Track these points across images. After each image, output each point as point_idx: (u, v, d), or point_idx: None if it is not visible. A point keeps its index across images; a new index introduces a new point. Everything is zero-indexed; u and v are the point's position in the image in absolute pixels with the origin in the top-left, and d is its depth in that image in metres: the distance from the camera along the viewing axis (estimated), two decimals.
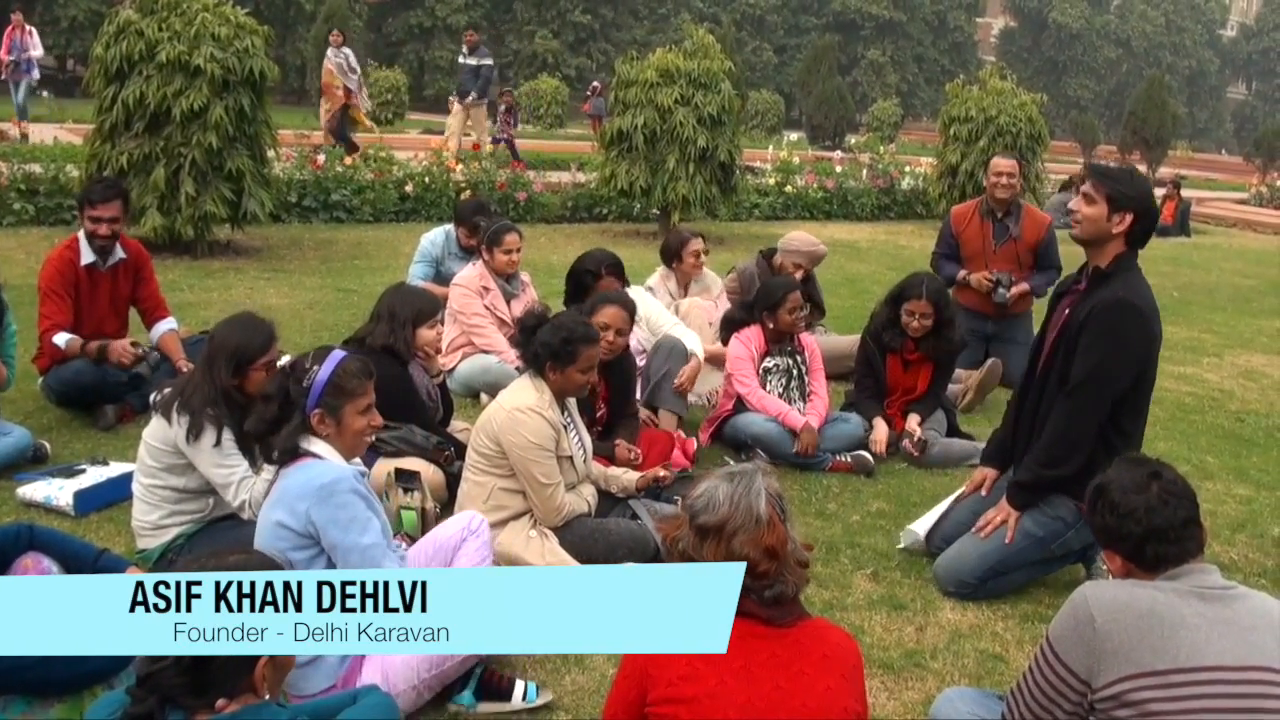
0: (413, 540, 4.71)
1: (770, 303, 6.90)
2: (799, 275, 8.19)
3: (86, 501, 5.49)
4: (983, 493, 5.45)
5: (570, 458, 5.16)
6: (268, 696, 2.69)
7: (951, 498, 5.71)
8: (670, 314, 7.41)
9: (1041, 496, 5.11)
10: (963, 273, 8.70)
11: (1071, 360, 4.95)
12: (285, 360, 4.03)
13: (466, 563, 4.28)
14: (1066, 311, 5.08)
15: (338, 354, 3.99)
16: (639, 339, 7.10)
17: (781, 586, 2.79)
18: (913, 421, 7.07)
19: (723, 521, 2.79)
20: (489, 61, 21.57)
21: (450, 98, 21.39)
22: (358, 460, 4.16)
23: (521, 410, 4.99)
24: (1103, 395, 4.89)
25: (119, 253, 6.91)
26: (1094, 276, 5.00)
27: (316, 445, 3.89)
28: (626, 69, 15.45)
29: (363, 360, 4.10)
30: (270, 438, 3.90)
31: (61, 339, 6.57)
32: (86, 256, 6.76)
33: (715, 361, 7.39)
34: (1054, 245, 8.73)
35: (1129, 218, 4.86)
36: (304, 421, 3.88)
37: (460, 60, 22.12)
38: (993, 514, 5.19)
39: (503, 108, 24.39)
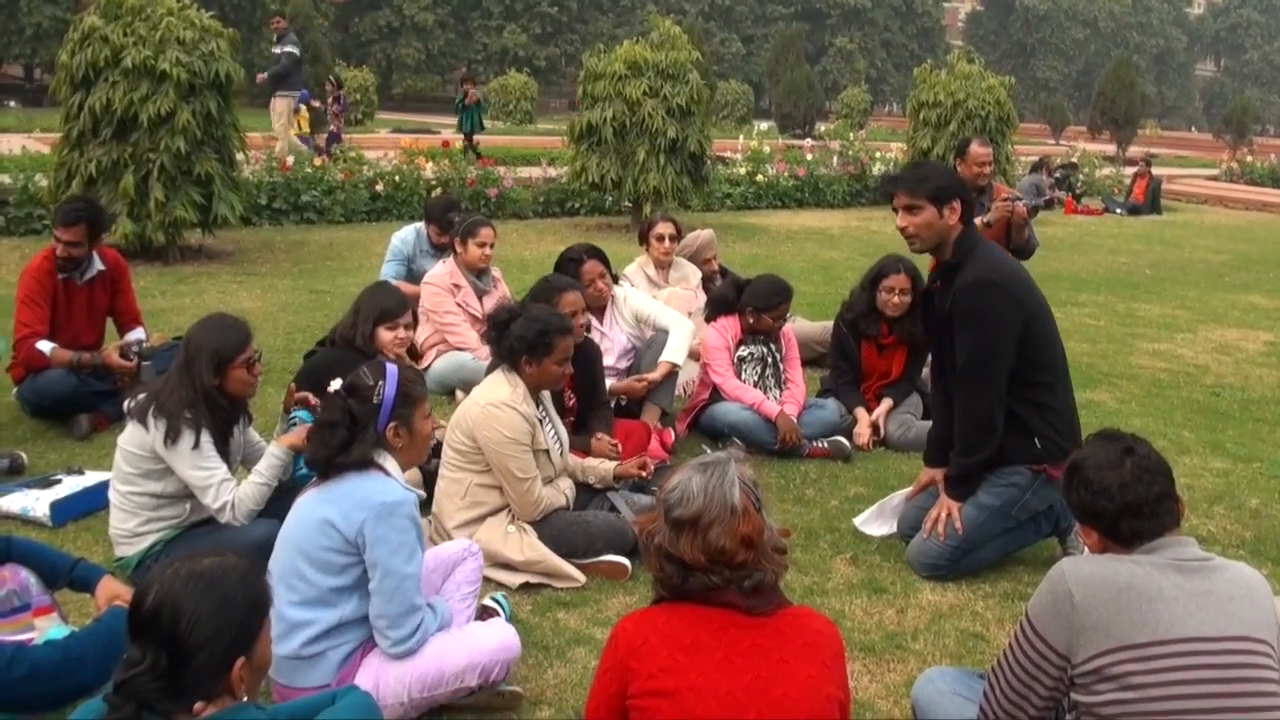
0: None
1: (764, 305, 6.88)
2: (714, 266, 8.49)
3: (63, 511, 5.45)
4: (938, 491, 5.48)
5: (546, 451, 5.15)
6: (245, 698, 2.67)
7: (900, 493, 5.76)
8: (656, 303, 7.39)
9: (976, 484, 5.17)
10: (979, 220, 8.63)
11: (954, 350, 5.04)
12: (337, 385, 4.01)
13: (461, 577, 4.32)
14: (936, 310, 5.18)
15: (393, 367, 4.03)
16: (628, 335, 7.10)
17: (760, 575, 2.76)
18: (881, 410, 7.10)
19: (698, 514, 2.75)
20: (292, 49, 20.04)
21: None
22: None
23: (495, 405, 4.98)
24: (989, 374, 4.95)
25: (97, 265, 6.89)
26: (946, 270, 5.07)
27: (385, 460, 3.92)
28: (594, 62, 15.44)
29: (414, 368, 4.20)
30: (335, 460, 3.87)
31: (46, 346, 6.55)
32: (65, 273, 6.74)
33: (692, 353, 7.38)
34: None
35: (957, 203, 4.93)
36: (378, 438, 3.90)
37: (274, 50, 20.72)
38: (935, 511, 5.23)
39: (331, 100, 23.77)
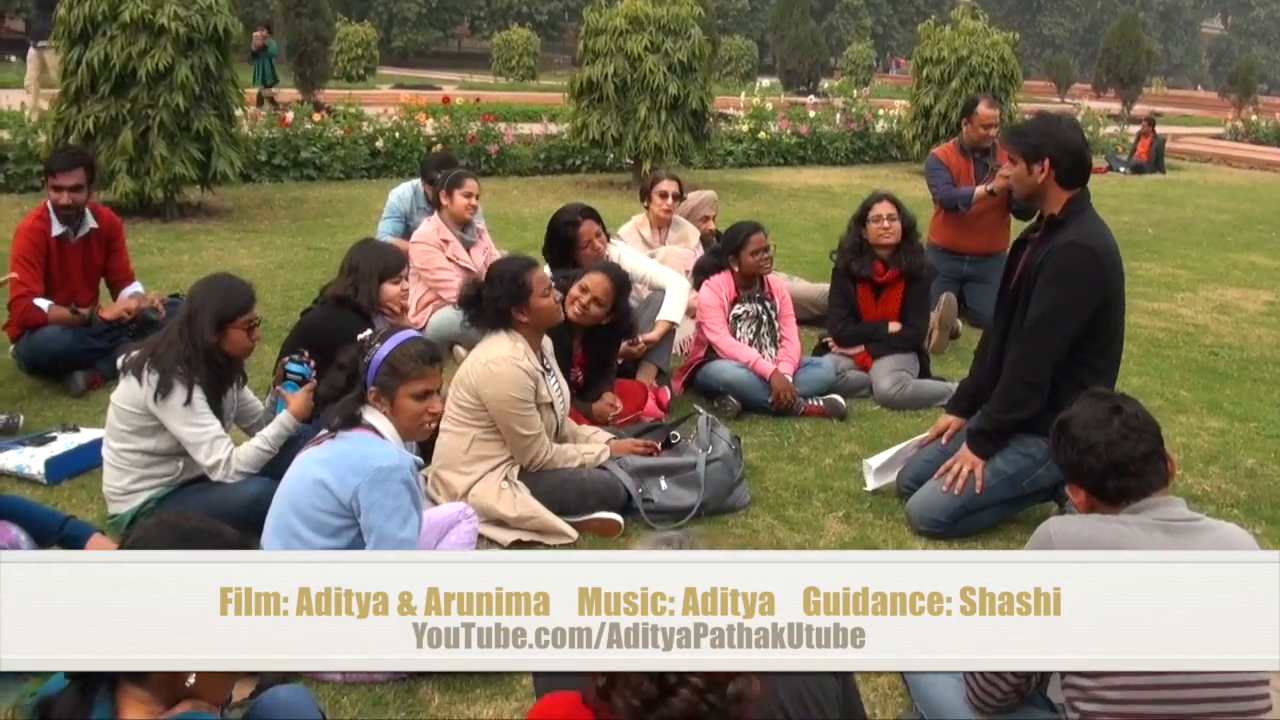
0: None
1: (733, 245, 6.92)
2: (710, 226, 8.64)
3: (58, 469, 5.46)
4: (943, 441, 5.50)
5: (551, 404, 5.18)
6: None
7: (914, 440, 5.74)
8: (651, 262, 7.39)
9: (1002, 443, 5.17)
10: (981, 188, 8.66)
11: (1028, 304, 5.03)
12: (368, 333, 4.04)
13: (455, 539, 4.36)
14: (1024, 260, 5.16)
15: (404, 334, 4.04)
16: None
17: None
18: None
19: None
20: None
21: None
22: (414, 444, 4.20)
23: (496, 362, 5.00)
24: (1055, 336, 4.95)
25: (90, 222, 6.86)
26: (1048, 224, 5.08)
27: (375, 418, 3.94)
28: (595, 17, 15.33)
29: (428, 344, 4.14)
30: (334, 401, 3.95)
31: (44, 303, 6.56)
32: (57, 227, 6.71)
33: (689, 311, 7.38)
34: None
35: (1047, 162, 4.95)
36: (362, 395, 3.93)
37: None
38: (954, 463, 5.22)
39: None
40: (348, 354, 4.02)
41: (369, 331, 4.07)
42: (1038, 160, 4.95)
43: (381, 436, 3.91)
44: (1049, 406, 4.92)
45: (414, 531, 3.83)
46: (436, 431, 5.35)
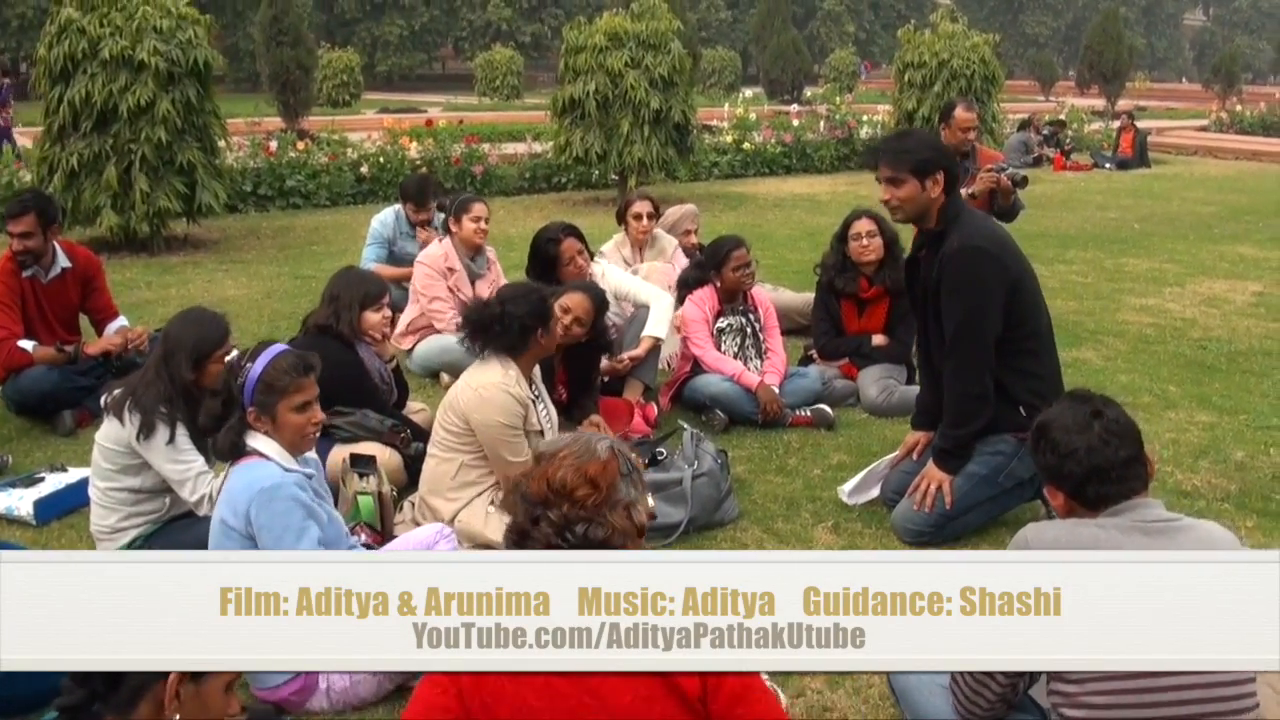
0: (372, 528, 4.74)
1: (715, 260, 6.94)
2: (692, 240, 8.59)
3: (47, 509, 5.46)
4: (914, 457, 5.50)
5: (541, 431, 5.17)
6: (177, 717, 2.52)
7: (885, 460, 5.73)
8: (635, 278, 7.39)
9: (967, 455, 5.17)
10: (963, 191, 8.64)
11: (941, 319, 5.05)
12: (234, 355, 4.02)
13: None
14: (921, 278, 5.19)
15: (273, 350, 3.96)
16: (610, 313, 7.10)
17: (596, 528, 2.56)
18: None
19: (558, 449, 2.67)
20: None
21: None
22: (312, 453, 4.16)
23: (486, 388, 5.00)
24: (978, 343, 4.97)
25: (63, 262, 6.85)
26: (932, 238, 5.07)
27: (259, 441, 3.89)
28: (574, 35, 15.38)
29: (299, 355, 4.04)
30: (215, 430, 3.92)
31: (28, 344, 6.56)
32: (25, 269, 6.72)
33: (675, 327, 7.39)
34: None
35: (941, 174, 4.93)
36: (243, 419, 3.89)
37: None
38: (921, 481, 5.22)
39: None
40: (220, 379, 4.00)
41: (235, 353, 4.05)
42: (930, 175, 4.91)
43: (265, 458, 3.88)
44: (1004, 400, 5.01)
45: (312, 544, 3.78)
46: (422, 457, 5.38)
